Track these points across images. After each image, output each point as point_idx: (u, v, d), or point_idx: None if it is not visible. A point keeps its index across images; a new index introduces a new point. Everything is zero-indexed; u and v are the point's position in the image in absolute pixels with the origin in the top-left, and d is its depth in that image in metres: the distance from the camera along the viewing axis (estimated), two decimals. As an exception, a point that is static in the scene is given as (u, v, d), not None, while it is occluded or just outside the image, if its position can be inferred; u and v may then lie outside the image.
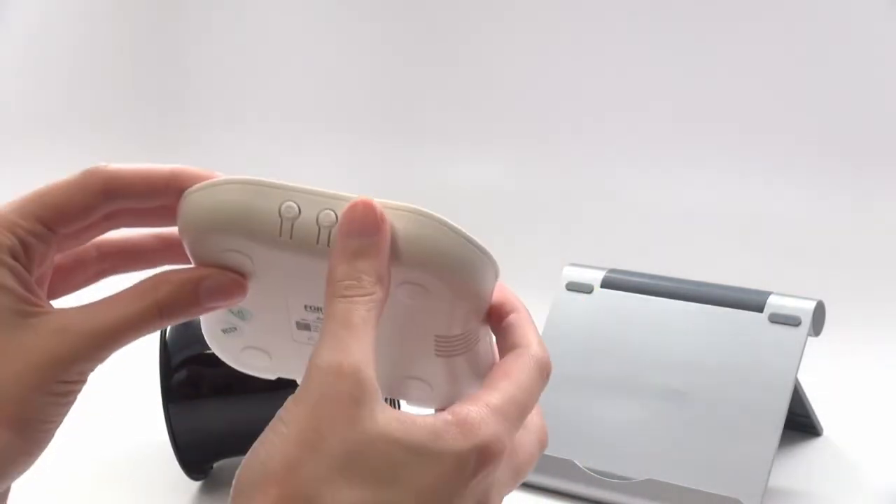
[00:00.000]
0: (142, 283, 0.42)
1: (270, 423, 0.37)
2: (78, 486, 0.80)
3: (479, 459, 0.37)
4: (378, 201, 0.39)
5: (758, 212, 1.31)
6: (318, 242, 0.40)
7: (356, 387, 0.36)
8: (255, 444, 0.37)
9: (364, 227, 0.39)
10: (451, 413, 0.37)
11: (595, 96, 1.43)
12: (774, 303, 0.80)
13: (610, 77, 1.43)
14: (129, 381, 0.85)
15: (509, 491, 0.40)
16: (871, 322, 1.12)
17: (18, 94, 1.69)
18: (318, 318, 0.43)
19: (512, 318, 0.42)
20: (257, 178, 0.41)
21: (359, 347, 0.37)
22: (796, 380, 0.78)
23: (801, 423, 0.88)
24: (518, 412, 0.39)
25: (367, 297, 0.38)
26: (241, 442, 0.78)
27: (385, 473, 0.36)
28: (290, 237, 0.40)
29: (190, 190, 0.41)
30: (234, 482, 0.37)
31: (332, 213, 0.39)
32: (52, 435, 0.42)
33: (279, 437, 0.36)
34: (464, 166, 1.47)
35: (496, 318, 0.43)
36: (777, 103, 1.35)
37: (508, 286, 0.44)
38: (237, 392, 0.76)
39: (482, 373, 0.42)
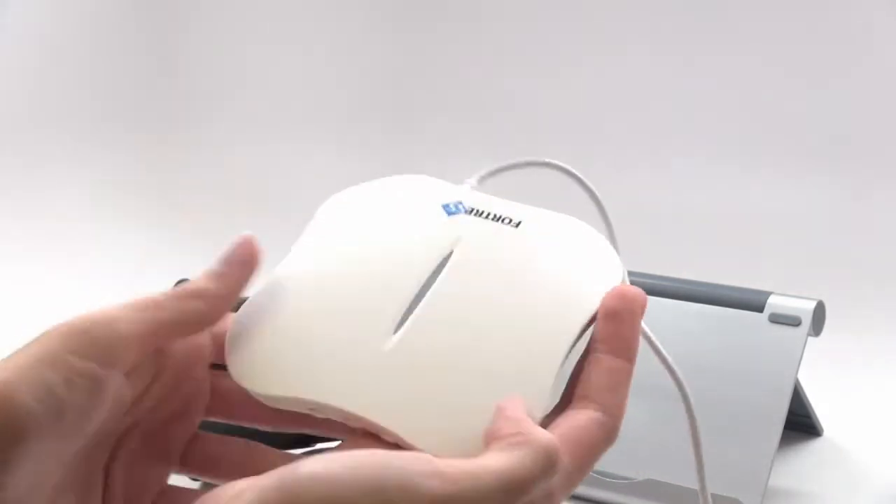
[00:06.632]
0: None
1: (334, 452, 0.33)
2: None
3: None
4: None
5: (758, 212, 1.31)
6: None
7: None
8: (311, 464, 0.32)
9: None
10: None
11: (594, 96, 1.43)
12: (774, 303, 0.79)
13: (609, 77, 1.43)
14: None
15: None
16: (871, 322, 1.12)
17: (18, 94, 1.69)
18: None
19: (606, 361, 0.41)
20: (285, 394, 0.41)
21: None
22: (796, 380, 0.77)
23: (801, 423, 0.88)
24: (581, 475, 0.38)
25: None
26: (240, 442, 0.78)
27: None
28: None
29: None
30: None
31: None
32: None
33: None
34: (463, 167, 1.46)
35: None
36: (777, 103, 1.35)
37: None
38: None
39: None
